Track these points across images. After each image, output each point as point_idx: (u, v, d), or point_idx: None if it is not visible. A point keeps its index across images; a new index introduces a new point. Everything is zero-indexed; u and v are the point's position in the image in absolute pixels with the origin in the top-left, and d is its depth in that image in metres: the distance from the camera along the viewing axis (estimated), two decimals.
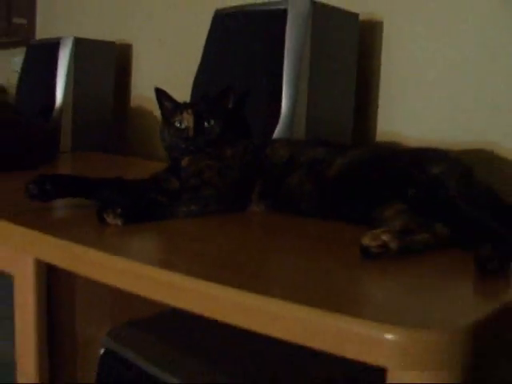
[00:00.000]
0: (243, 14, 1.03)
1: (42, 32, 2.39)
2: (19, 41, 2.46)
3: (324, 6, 0.99)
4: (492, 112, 1.03)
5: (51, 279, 0.73)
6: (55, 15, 2.31)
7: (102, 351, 0.78)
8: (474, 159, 1.03)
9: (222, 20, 1.07)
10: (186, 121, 0.85)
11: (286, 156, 0.82)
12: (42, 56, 1.75)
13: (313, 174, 0.78)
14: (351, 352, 0.41)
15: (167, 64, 1.73)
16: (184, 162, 0.85)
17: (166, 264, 0.59)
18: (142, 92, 1.80)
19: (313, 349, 0.43)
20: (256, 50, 0.98)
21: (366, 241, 0.57)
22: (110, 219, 0.68)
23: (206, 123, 0.85)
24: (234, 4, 1.11)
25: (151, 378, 0.70)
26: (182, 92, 1.39)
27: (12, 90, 2.62)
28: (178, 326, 0.79)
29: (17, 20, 2.39)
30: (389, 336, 0.38)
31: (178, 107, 0.89)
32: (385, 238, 0.57)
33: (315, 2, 0.97)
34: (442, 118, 1.09)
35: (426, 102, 1.11)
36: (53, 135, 1.41)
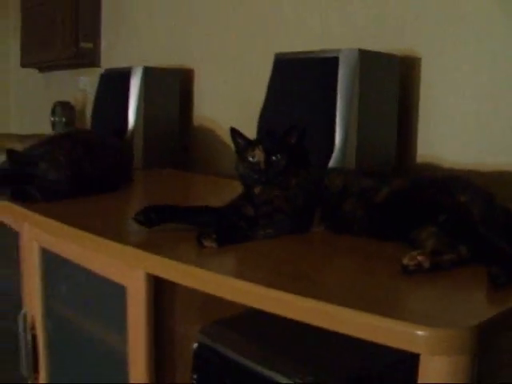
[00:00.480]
0: (301, 61, 1.22)
1: (106, 54, 2.63)
2: (85, 63, 2.70)
3: (369, 52, 1.17)
4: None
5: (157, 289, 0.94)
6: (118, 40, 2.53)
7: (195, 346, 0.97)
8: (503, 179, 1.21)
9: (282, 64, 1.27)
10: (258, 156, 1.04)
11: (341, 185, 1.00)
12: (115, 83, 1.97)
13: (363, 201, 0.97)
14: (396, 343, 0.59)
15: (226, 87, 1.92)
16: (256, 190, 1.03)
17: (246, 275, 0.78)
18: (203, 112, 2.00)
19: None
20: (313, 92, 1.17)
21: (405, 261, 0.75)
22: (207, 243, 0.88)
23: (274, 157, 1.04)
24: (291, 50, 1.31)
25: (238, 365, 0.89)
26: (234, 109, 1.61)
27: (78, 107, 2.86)
28: (258, 324, 0.98)
29: (84, 44, 2.62)
30: (420, 332, 0.57)
31: (250, 144, 1.08)
32: (420, 258, 0.75)
33: (362, 51, 1.15)
34: (471, 141, 1.27)
35: (457, 130, 1.28)
36: (130, 155, 1.61)
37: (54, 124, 2.88)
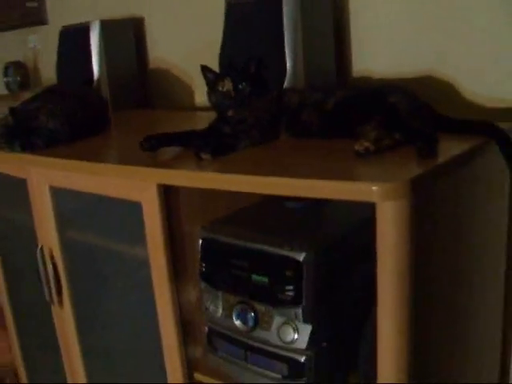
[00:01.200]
0: (249, 3, 1.46)
1: (53, 12, 2.77)
2: (33, 22, 2.83)
3: None
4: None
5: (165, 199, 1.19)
6: None
7: (200, 240, 1.24)
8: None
9: (233, 7, 1.50)
10: (227, 86, 1.27)
11: (297, 101, 1.26)
12: (74, 38, 2.15)
13: (316, 111, 1.23)
14: (358, 198, 0.87)
15: (175, 31, 2.14)
16: (230, 113, 1.26)
17: (235, 171, 1.04)
18: (158, 55, 2.22)
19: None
20: (262, 29, 1.41)
21: (357, 146, 1.02)
22: (204, 156, 1.13)
23: (240, 86, 1.27)
24: None
25: (235, 247, 1.15)
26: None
27: (30, 65, 3.00)
28: (247, 219, 1.25)
29: (29, 4, 2.75)
30: (375, 187, 0.85)
31: (218, 76, 1.31)
32: (366, 144, 1.02)
33: None
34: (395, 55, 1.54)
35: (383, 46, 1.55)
36: (106, 102, 1.82)
37: (7, 84, 3.01)
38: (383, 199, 0.85)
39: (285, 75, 1.40)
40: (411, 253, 0.88)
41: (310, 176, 0.94)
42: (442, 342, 1.07)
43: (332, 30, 1.49)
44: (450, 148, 1.05)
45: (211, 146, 1.16)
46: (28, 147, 1.45)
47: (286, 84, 1.41)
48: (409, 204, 0.86)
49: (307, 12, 1.40)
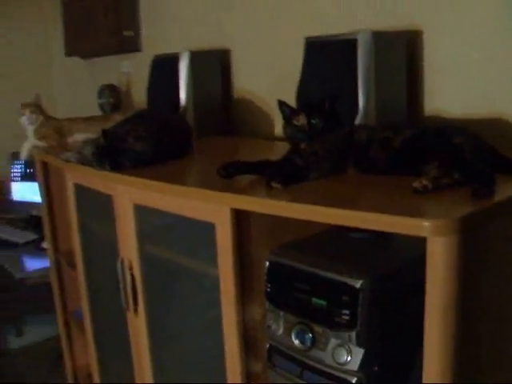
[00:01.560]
0: (327, 43, 1.55)
1: (147, 40, 2.97)
2: (128, 49, 3.04)
3: (380, 32, 1.50)
4: None
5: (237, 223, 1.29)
6: (157, 26, 2.88)
7: (267, 263, 1.32)
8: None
9: (312, 46, 1.60)
10: (301, 120, 1.37)
11: (366, 137, 1.34)
12: (164, 67, 2.31)
13: (383, 148, 1.30)
14: (412, 232, 0.94)
15: (259, 63, 2.26)
16: (303, 145, 1.36)
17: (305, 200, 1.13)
18: (242, 86, 2.35)
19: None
20: (338, 69, 1.51)
21: (415, 184, 1.09)
22: (274, 185, 1.23)
23: (313, 120, 1.37)
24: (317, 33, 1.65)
25: (300, 272, 1.23)
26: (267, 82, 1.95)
27: (123, 89, 3.21)
28: (314, 245, 1.34)
29: (126, 33, 2.96)
30: (426, 223, 0.91)
31: (294, 111, 1.41)
32: (424, 182, 1.09)
33: (375, 32, 1.48)
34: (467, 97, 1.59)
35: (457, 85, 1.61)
36: (190, 127, 1.95)
37: (101, 105, 3.23)
38: (433, 234, 0.92)
39: (357, 112, 1.48)
40: (459, 288, 0.93)
41: (369, 209, 1.01)
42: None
43: (405, 71, 1.57)
44: (507, 190, 1.10)
45: (282, 175, 1.25)
46: (116, 166, 1.59)
47: (357, 121, 1.49)
48: (458, 241, 0.92)
49: (381, 54, 1.49)
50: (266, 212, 1.19)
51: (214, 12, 2.44)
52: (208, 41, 2.46)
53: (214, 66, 2.30)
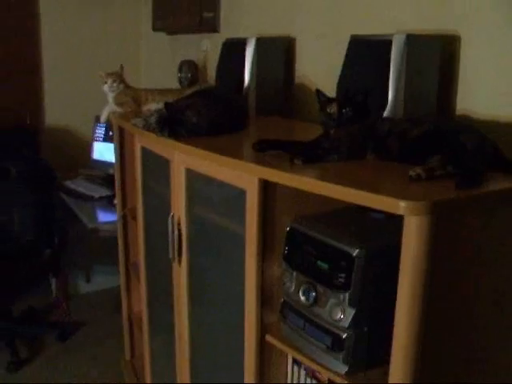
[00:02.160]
0: (367, 41, 1.73)
1: (224, 22, 3.20)
2: (207, 29, 3.28)
3: (413, 35, 1.66)
4: None
5: (265, 191, 1.50)
6: (233, 10, 3.10)
7: (287, 228, 1.53)
8: None
9: (354, 43, 1.78)
10: (333, 108, 1.55)
11: (387, 128, 1.51)
12: (234, 50, 2.53)
13: (400, 138, 1.47)
14: (392, 210, 1.12)
15: (320, 55, 2.44)
16: (331, 131, 1.55)
17: (320, 177, 1.33)
18: (302, 72, 2.54)
19: None
20: (374, 65, 1.68)
21: (411, 172, 1.26)
22: (296, 161, 1.43)
23: (344, 110, 1.55)
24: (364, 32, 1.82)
25: (314, 239, 1.43)
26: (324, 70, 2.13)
27: (200, 65, 3.45)
28: (328, 219, 1.53)
29: (206, 14, 3.19)
30: (403, 203, 1.10)
31: (329, 100, 1.59)
32: (419, 171, 1.26)
33: (408, 35, 1.64)
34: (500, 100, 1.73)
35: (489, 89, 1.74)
36: (246, 107, 2.17)
37: (180, 79, 3.48)
38: (408, 213, 1.10)
39: (386, 106, 1.66)
40: (428, 263, 1.12)
41: (364, 188, 1.20)
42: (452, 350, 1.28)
43: (437, 72, 1.72)
44: (494, 185, 1.26)
45: (304, 154, 1.45)
46: (174, 135, 1.82)
47: (386, 114, 1.66)
48: (429, 221, 1.10)
49: (413, 55, 1.65)
50: (286, 183, 1.39)
51: (284, 2, 2.64)
52: (277, 28, 2.66)
53: (278, 51, 2.49)
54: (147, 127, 1.93)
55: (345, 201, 1.26)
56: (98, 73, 2.61)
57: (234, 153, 1.62)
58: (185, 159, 1.83)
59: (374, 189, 1.20)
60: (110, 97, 2.64)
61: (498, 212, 1.27)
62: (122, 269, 2.92)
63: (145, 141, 2.18)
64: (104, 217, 3.35)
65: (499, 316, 1.37)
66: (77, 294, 3.98)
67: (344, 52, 2.19)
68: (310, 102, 2.49)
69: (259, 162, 1.49)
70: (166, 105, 1.85)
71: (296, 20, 2.57)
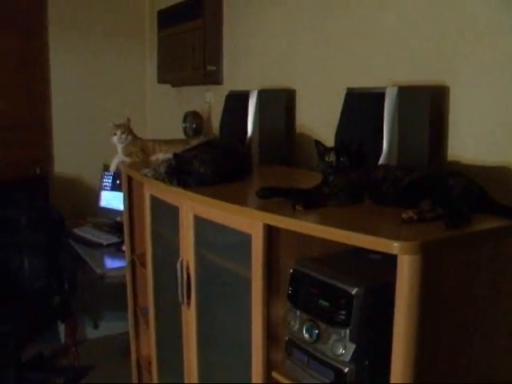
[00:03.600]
0: (361, 94, 1.86)
1: (227, 75, 3.35)
2: (210, 81, 3.44)
3: (405, 87, 1.79)
4: None
5: (269, 235, 1.61)
6: (236, 63, 3.26)
7: (291, 271, 1.63)
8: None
9: (350, 96, 1.91)
10: (332, 157, 1.67)
11: (382, 175, 1.63)
12: (236, 101, 2.67)
13: (394, 185, 1.59)
14: (387, 250, 1.22)
15: (319, 106, 2.58)
16: (331, 178, 1.66)
17: (320, 222, 1.43)
18: (303, 122, 2.67)
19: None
20: (369, 116, 1.81)
21: (403, 215, 1.37)
22: (297, 207, 1.54)
23: (341, 159, 1.67)
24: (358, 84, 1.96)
25: (317, 280, 1.53)
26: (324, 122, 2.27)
27: (204, 116, 3.60)
28: (329, 260, 1.63)
29: (209, 67, 3.35)
30: (396, 243, 1.20)
31: (327, 150, 1.71)
32: (411, 214, 1.37)
33: (400, 87, 1.77)
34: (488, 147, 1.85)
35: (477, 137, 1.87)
36: (250, 156, 2.29)
37: (185, 129, 3.63)
38: (401, 253, 1.21)
39: (380, 154, 1.78)
40: (421, 298, 1.22)
41: (361, 231, 1.31)
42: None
43: (428, 121, 1.85)
44: (480, 226, 1.37)
45: (305, 200, 1.56)
46: (182, 184, 1.94)
47: (381, 161, 1.78)
48: (421, 259, 1.20)
49: (405, 106, 1.78)
50: (289, 228, 1.50)
51: (284, 57, 2.80)
52: (278, 80, 2.81)
53: (279, 103, 2.63)
54: (157, 177, 2.05)
55: (345, 243, 1.36)
56: (108, 124, 2.75)
57: (239, 200, 1.73)
58: (193, 206, 1.94)
59: (370, 231, 1.30)
60: (119, 148, 2.77)
61: (486, 250, 1.37)
62: (130, 313, 3.01)
63: (154, 189, 2.29)
64: (112, 263, 3.46)
65: (489, 346, 1.46)
66: (84, 339, 4.04)
67: (340, 103, 2.34)
68: (309, 151, 2.62)
69: (263, 208, 1.60)
70: (175, 156, 1.98)
71: (295, 72, 2.72)
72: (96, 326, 4.14)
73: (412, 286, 1.22)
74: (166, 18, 3.78)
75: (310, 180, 1.80)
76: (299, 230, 1.48)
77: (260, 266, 1.62)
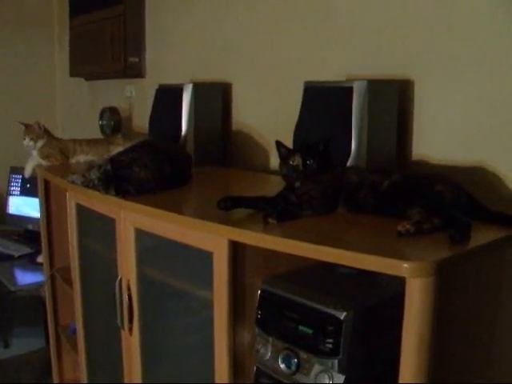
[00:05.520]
0: (325, 88, 1.68)
1: (149, 67, 3.09)
2: (132, 74, 3.16)
3: (374, 81, 1.63)
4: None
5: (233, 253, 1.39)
6: (160, 55, 3.00)
7: (259, 291, 1.42)
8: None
9: (310, 90, 1.73)
10: (297, 160, 1.48)
11: (356, 180, 1.45)
12: (168, 96, 2.42)
13: (372, 190, 1.41)
14: (392, 272, 1.04)
15: (258, 99, 2.38)
16: (297, 184, 1.47)
17: (296, 237, 1.23)
18: (240, 119, 2.46)
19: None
20: (334, 113, 1.63)
21: (399, 228, 1.20)
22: (270, 220, 1.33)
23: (308, 161, 1.48)
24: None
25: (288, 302, 1.34)
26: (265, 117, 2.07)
27: (124, 113, 3.32)
28: (302, 277, 1.44)
29: (131, 59, 3.08)
30: (405, 265, 1.02)
31: (290, 152, 1.52)
32: (408, 226, 1.20)
33: (369, 81, 1.61)
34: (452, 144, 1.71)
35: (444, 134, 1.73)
36: (190, 157, 2.06)
37: (102, 127, 3.33)
38: (411, 276, 1.03)
39: (349, 155, 1.60)
40: (433, 326, 1.04)
41: (356, 249, 1.12)
42: None
43: (395, 118, 1.69)
44: (482, 236, 1.22)
45: (277, 212, 1.36)
46: (121, 192, 1.69)
47: (349, 162, 1.60)
48: (434, 282, 1.03)
49: (374, 101, 1.61)
50: (261, 245, 1.29)
51: (217, 46, 2.56)
52: (210, 73, 2.58)
53: (215, 98, 2.41)
54: (87, 184, 1.78)
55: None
56: (14, 123, 2.47)
57: (196, 212, 1.50)
58: (134, 218, 1.69)
59: (367, 249, 1.12)
60: (34, 150, 2.47)
61: (486, 261, 1.22)
62: (51, 333, 2.71)
63: (81, 198, 2.02)
64: (26, 278, 3.12)
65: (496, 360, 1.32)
66: None
67: (282, 98, 2.15)
68: (248, 150, 2.42)
69: (227, 221, 1.38)
70: (111, 160, 1.72)
71: (230, 65, 2.50)
72: (6, 345, 3.76)
73: (423, 311, 1.04)
74: (79, 4, 3.44)
75: (256, 183, 1.62)
76: (274, 247, 1.27)
77: (225, 287, 1.41)
